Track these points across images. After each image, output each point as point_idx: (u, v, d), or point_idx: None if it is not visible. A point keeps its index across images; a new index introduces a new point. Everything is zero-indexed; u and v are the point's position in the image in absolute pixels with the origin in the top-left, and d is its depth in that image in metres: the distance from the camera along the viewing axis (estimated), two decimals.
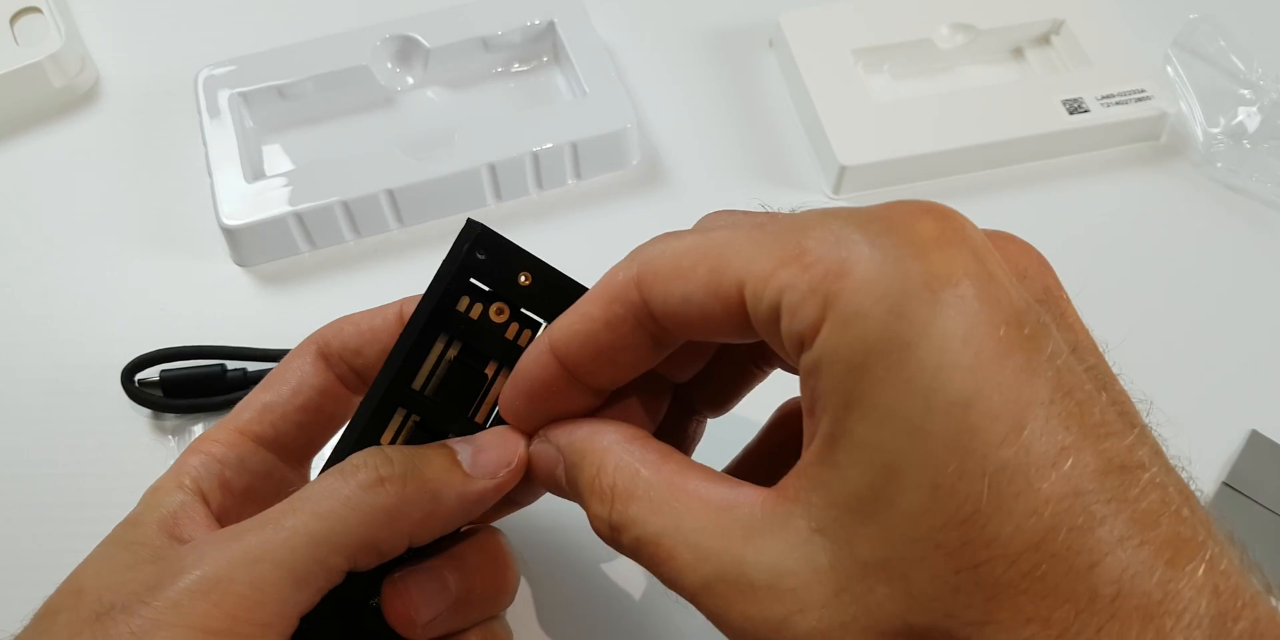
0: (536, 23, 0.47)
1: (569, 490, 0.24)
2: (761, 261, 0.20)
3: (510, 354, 0.27)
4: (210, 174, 0.42)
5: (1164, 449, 0.19)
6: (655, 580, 0.34)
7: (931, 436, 0.18)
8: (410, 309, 0.28)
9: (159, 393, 0.39)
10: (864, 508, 0.18)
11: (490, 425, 0.27)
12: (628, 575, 0.35)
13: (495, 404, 0.27)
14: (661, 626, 0.34)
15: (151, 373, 0.39)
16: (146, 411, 0.39)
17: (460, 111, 0.47)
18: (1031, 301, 0.19)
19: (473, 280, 0.26)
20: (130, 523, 0.26)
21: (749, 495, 0.21)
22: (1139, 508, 0.17)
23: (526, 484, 0.27)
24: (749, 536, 0.20)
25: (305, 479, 0.30)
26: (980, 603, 0.17)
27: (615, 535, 0.22)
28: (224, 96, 0.44)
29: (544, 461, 0.25)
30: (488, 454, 0.26)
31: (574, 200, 0.45)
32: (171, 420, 0.39)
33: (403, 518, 0.24)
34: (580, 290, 0.27)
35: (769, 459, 0.28)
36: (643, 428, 0.25)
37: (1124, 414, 0.19)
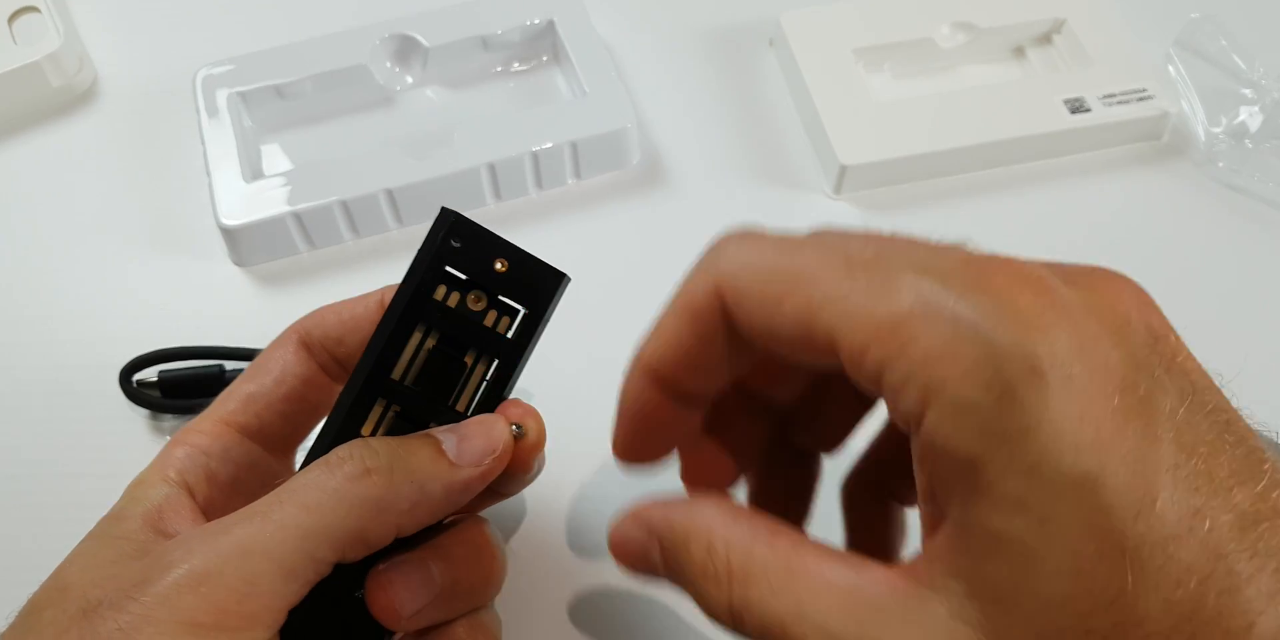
0: (536, 22, 0.46)
1: (669, 574, 0.23)
2: (854, 324, 0.19)
3: (489, 341, 0.27)
4: (208, 174, 0.42)
5: None
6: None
7: (1064, 522, 0.17)
8: (391, 297, 0.28)
9: (157, 393, 0.39)
10: (1007, 598, 0.18)
11: (472, 414, 0.27)
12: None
13: (476, 392, 0.27)
14: (651, 615, 0.34)
15: (150, 373, 0.39)
16: (144, 412, 0.39)
17: (460, 111, 0.47)
18: (1140, 356, 0.18)
19: (448, 268, 0.26)
20: (114, 517, 0.26)
21: (876, 576, 0.20)
22: None
23: (511, 473, 0.27)
24: (882, 621, 0.19)
25: (290, 469, 0.30)
26: None
27: (737, 621, 0.21)
28: (222, 96, 0.44)
29: (636, 544, 0.24)
30: (472, 442, 0.26)
31: (574, 200, 0.45)
32: (170, 421, 0.39)
33: (390, 509, 0.24)
34: (558, 277, 0.27)
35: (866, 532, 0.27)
36: (746, 462, 0.25)
37: (1250, 456, 0.18)
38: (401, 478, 0.24)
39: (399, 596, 0.25)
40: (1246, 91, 0.45)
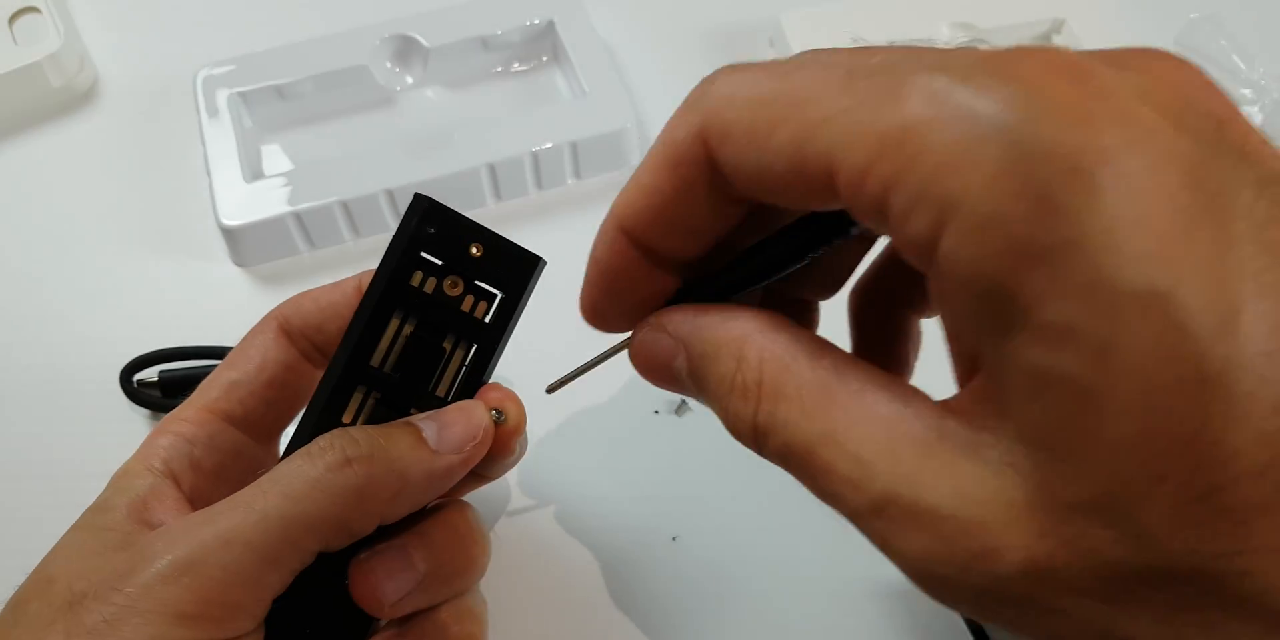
0: (536, 22, 0.46)
1: (693, 385, 0.21)
2: (853, 142, 0.16)
3: (467, 326, 0.27)
4: (209, 174, 0.42)
5: None
6: (631, 548, 0.34)
7: (1128, 350, 0.14)
8: (369, 282, 0.28)
9: (158, 393, 0.39)
10: (1060, 444, 0.15)
11: (452, 399, 0.27)
12: (602, 547, 0.35)
13: (456, 377, 0.27)
14: (639, 596, 0.34)
15: (150, 373, 0.39)
16: (145, 411, 0.39)
17: (460, 111, 0.47)
18: (1207, 145, 0.15)
19: (424, 254, 0.26)
20: (98, 508, 0.26)
21: (923, 409, 0.18)
22: None
23: (493, 457, 0.27)
24: (925, 457, 0.17)
25: (274, 456, 0.30)
26: (1230, 530, 0.14)
27: (759, 439, 0.19)
28: (223, 96, 0.44)
29: (658, 352, 0.21)
30: (452, 430, 0.26)
31: (574, 200, 0.45)
32: None
33: (371, 497, 0.24)
34: (533, 261, 0.27)
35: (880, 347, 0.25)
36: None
37: None
38: (382, 467, 0.24)
39: (382, 584, 0.25)
40: (1246, 92, 0.45)
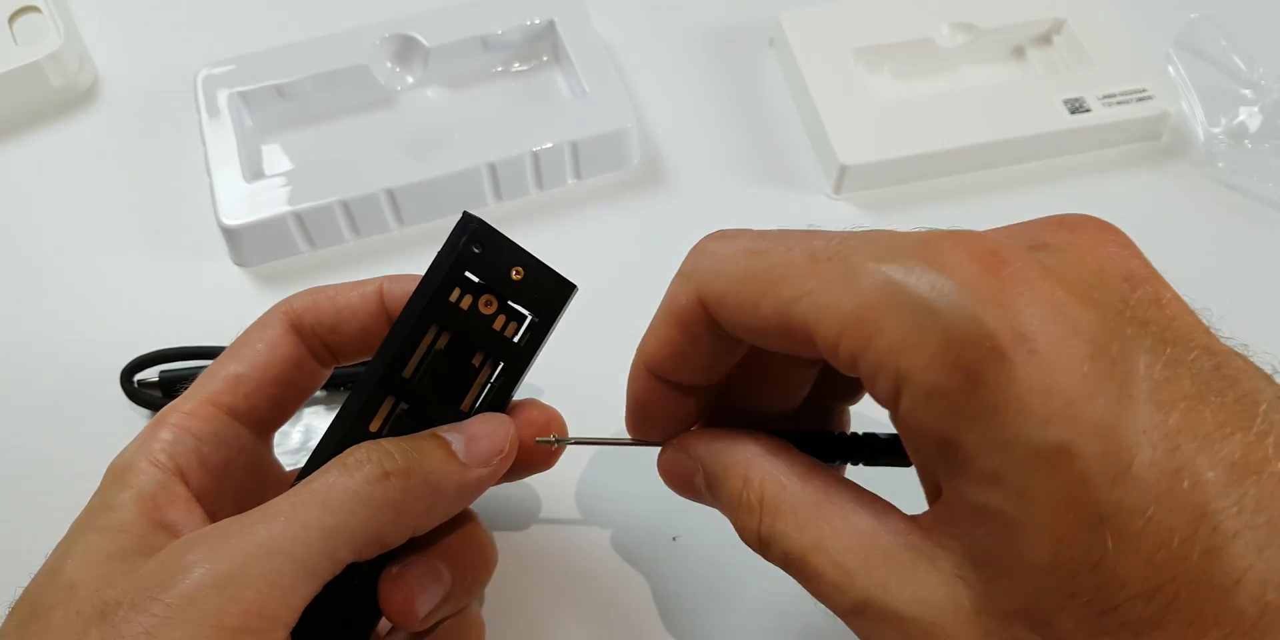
0: (536, 22, 0.47)
1: (710, 499, 0.25)
2: (825, 318, 0.20)
3: (497, 345, 0.27)
4: (209, 174, 0.42)
5: None
6: (631, 548, 0.34)
7: (1039, 495, 0.17)
8: (393, 288, 0.28)
9: (158, 393, 0.39)
10: (995, 564, 0.19)
11: (475, 413, 0.27)
12: (602, 547, 0.35)
13: (481, 392, 0.27)
14: (638, 596, 0.34)
15: (151, 373, 0.39)
16: (145, 412, 0.39)
17: (460, 111, 0.47)
18: (1113, 314, 0.18)
19: (467, 273, 0.26)
20: (104, 506, 0.25)
21: (895, 526, 0.21)
22: (1275, 509, 0.17)
23: (530, 471, 0.28)
24: (895, 567, 0.20)
25: (271, 453, 0.30)
26: (1130, 639, 0.17)
27: (763, 547, 0.23)
28: (223, 96, 0.44)
29: (681, 470, 0.25)
30: (480, 443, 0.26)
31: (574, 200, 0.45)
32: None
33: (407, 511, 0.24)
34: (568, 287, 0.28)
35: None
36: (787, 406, 0.26)
37: (1242, 401, 0.18)
38: (418, 480, 0.24)
39: (415, 597, 0.26)
40: (1246, 92, 0.45)
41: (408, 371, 0.26)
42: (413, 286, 0.27)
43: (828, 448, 0.25)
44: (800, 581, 0.22)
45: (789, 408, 0.26)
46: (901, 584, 0.20)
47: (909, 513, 0.22)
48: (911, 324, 0.18)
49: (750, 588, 0.34)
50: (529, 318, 0.27)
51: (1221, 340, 0.20)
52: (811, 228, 0.22)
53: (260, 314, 0.29)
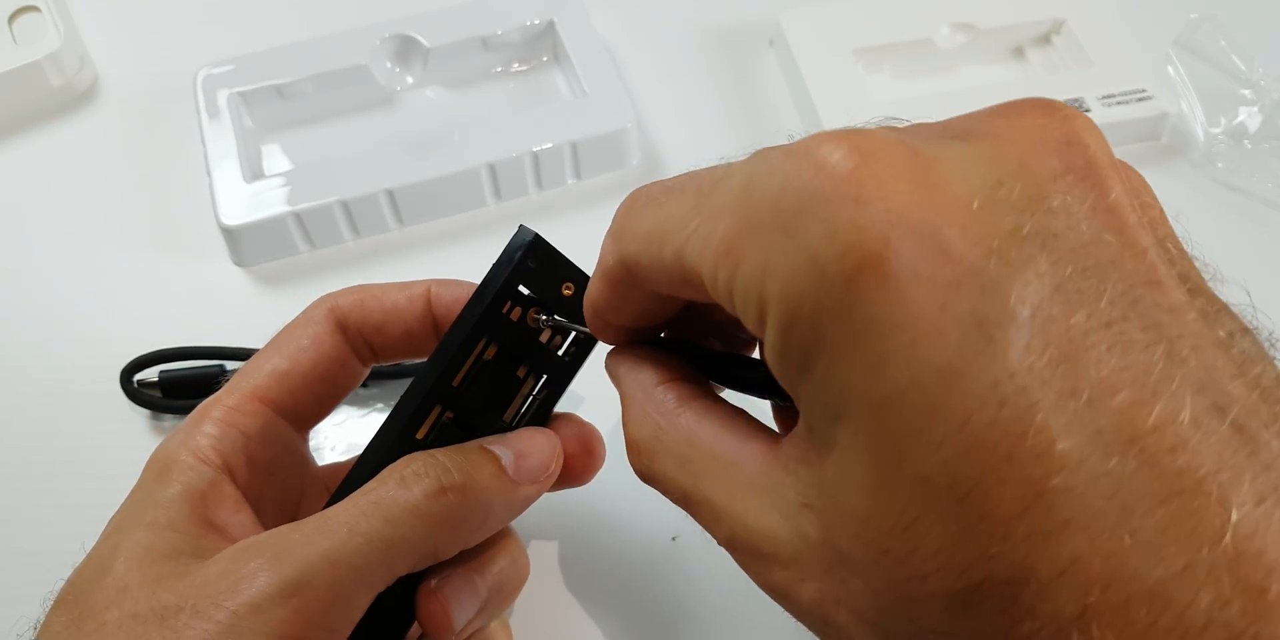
0: (536, 22, 0.46)
1: None
2: (701, 255, 0.18)
3: (543, 358, 0.27)
4: (209, 174, 0.42)
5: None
6: (631, 548, 0.34)
7: (867, 443, 0.16)
8: (441, 293, 0.28)
9: (158, 393, 0.39)
10: (832, 498, 0.17)
11: (517, 426, 0.27)
12: (602, 546, 0.35)
13: (523, 404, 0.28)
14: (638, 595, 0.34)
15: (150, 373, 0.39)
16: (145, 412, 0.39)
17: (460, 111, 0.47)
18: (1004, 226, 0.15)
19: (520, 287, 0.27)
20: (152, 502, 0.25)
21: (752, 451, 0.20)
22: (1135, 497, 0.14)
23: (569, 486, 0.28)
24: (748, 499, 0.19)
25: (307, 449, 0.30)
26: (937, 612, 0.16)
27: (655, 486, 0.22)
28: (223, 96, 0.44)
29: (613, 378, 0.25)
30: (529, 460, 0.26)
31: (574, 200, 0.45)
32: (171, 421, 0.39)
33: (462, 525, 0.25)
34: None
35: None
36: (740, 350, 0.25)
37: (1153, 346, 0.15)
38: (474, 496, 0.24)
39: (453, 610, 0.25)
40: (1246, 92, 0.45)
41: (455, 381, 0.26)
42: (461, 293, 0.28)
43: (729, 374, 0.24)
44: (694, 519, 0.21)
45: (743, 350, 0.26)
46: (758, 516, 0.19)
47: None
48: (768, 246, 0.16)
49: (750, 587, 0.34)
50: (574, 333, 0.28)
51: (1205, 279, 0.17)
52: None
53: (259, 314, 0.29)
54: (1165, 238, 0.17)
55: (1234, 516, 0.14)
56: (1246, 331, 0.16)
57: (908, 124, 0.19)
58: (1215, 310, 0.16)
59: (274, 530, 0.24)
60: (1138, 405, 0.14)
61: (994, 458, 0.14)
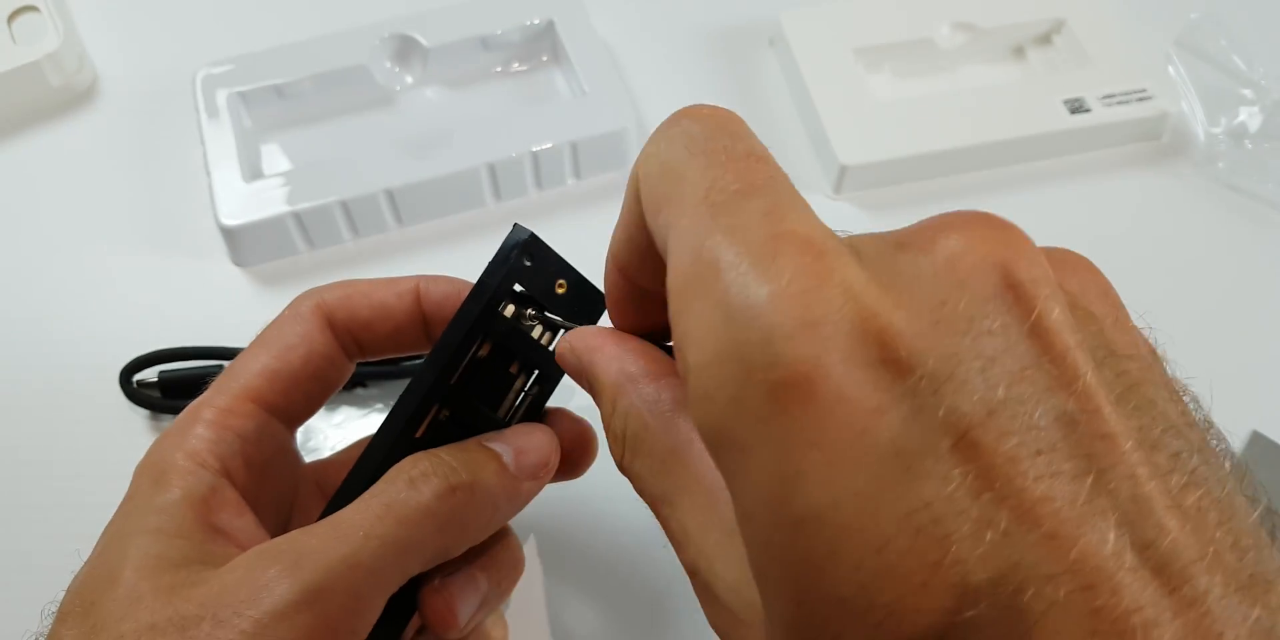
0: (536, 22, 0.46)
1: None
2: (672, 265, 0.17)
3: (535, 355, 0.27)
4: (208, 173, 0.42)
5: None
6: (631, 548, 0.34)
7: (769, 568, 0.15)
8: (430, 289, 0.28)
9: (157, 394, 0.39)
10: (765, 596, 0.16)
11: (512, 422, 0.27)
12: (602, 546, 0.35)
13: (517, 400, 0.28)
14: (638, 595, 0.34)
15: (149, 373, 0.39)
16: (144, 412, 0.39)
17: (459, 111, 0.47)
18: (944, 345, 0.15)
19: (515, 285, 0.26)
20: (153, 508, 0.24)
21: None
22: None
23: (565, 480, 0.28)
24: (721, 542, 0.18)
25: (295, 448, 0.29)
26: None
27: (628, 476, 0.21)
28: (222, 96, 0.44)
29: (568, 365, 0.23)
30: (528, 456, 0.26)
31: (574, 200, 0.44)
32: (170, 421, 0.39)
33: (471, 523, 0.25)
34: (604, 300, 0.28)
35: None
36: None
37: (1071, 475, 0.14)
38: (481, 495, 0.24)
39: (457, 607, 0.25)
40: (1246, 92, 0.45)
41: (452, 378, 0.26)
42: (449, 288, 0.28)
43: None
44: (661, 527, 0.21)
45: None
46: (725, 563, 0.18)
47: None
48: (709, 321, 0.15)
49: None
50: (562, 329, 0.28)
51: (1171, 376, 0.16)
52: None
53: (258, 314, 0.29)
54: (1110, 355, 0.16)
55: None
56: (1197, 451, 0.15)
57: (854, 234, 0.18)
58: (1162, 430, 0.15)
59: (287, 536, 0.23)
60: (1058, 539, 0.14)
61: (909, 585, 0.14)
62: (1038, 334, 0.15)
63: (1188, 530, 0.14)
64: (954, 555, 0.14)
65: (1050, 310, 0.15)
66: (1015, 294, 0.15)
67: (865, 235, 0.17)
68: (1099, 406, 0.15)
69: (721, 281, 0.15)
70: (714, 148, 0.18)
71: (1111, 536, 0.14)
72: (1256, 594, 0.14)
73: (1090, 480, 0.14)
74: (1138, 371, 0.16)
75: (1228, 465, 0.16)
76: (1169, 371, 0.17)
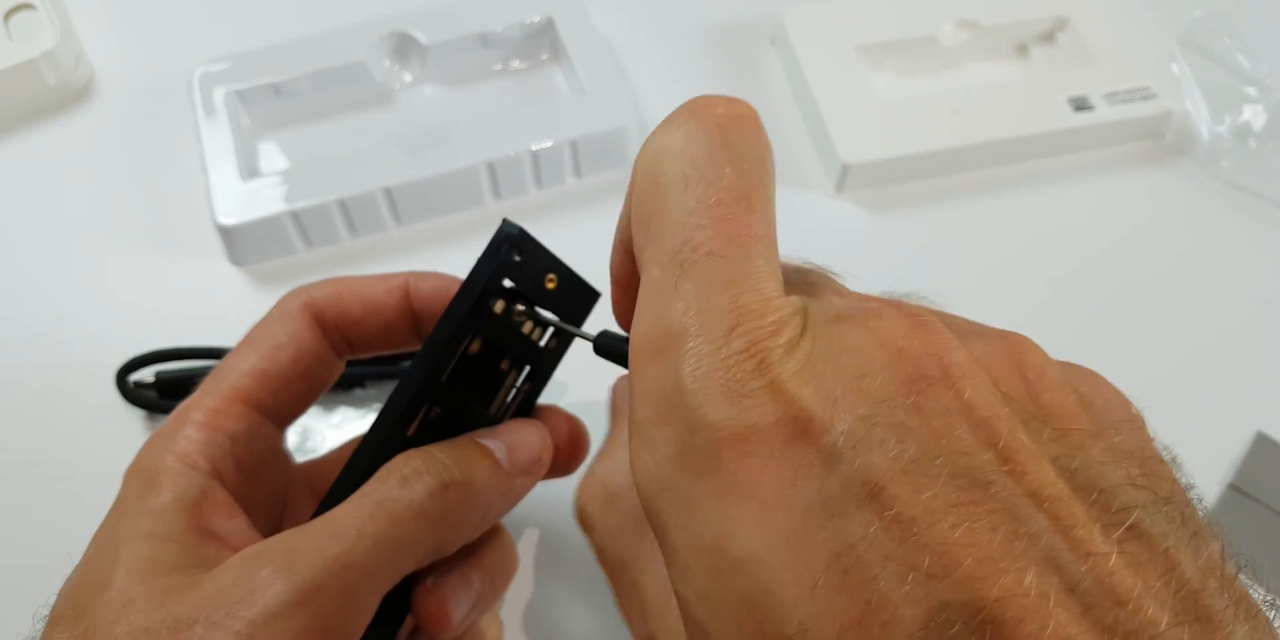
0: (536, 20, 0.46)
1: None
2: (638, 310, 0.18)
3: (525, 350, 0.27)
4: (206, 172, 0.42)
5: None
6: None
7: (743, 595, 0.16)
8: (419, 286, 0.28)
9: (154, 394, 0.38)
10: None
11: (502, 417, 0.27)
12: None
13: (508, 397, 0.28)
14: None
15: (146, 373, 0.39)
16: (141, 412, 0.39)
17: (458, 109, 0.47)
18: (858, 415, 0.16)
19: (505, 280, 0.26)
20: (145, 511, 0.24)
21: None
22: None
23: (555, 477, 0.28)
24: (678, 619, 0.18)
25: (285, 447, 0.29)
26: None
27: (593, 534, 0.22)
28: (219, 94, 0.44)
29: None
30: (521, 452, 0.26)
31: (573, 199, 0.44)
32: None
33: (464, 521, 0.24)
34: (593, 294, 0.28)
35: None
36: None
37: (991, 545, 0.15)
38: (474, 492, 0.24)
39: (451, 607, 0.25)
40: (1250, 90, 0.45)
41: (442, 376, 0.26)
42: (439, 284, 0.28)
43: None
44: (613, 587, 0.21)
45: None
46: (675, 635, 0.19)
47: None
48: (662, 386, 0.17)
49: None
50: (557, 325, 0.28)
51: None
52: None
53: (257, 314, 0.29)
54: (1035, 415, 0.17)
55: None
56: (1153, 505, 0.16)
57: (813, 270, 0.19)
58: (1095, 469, 0.16)
59: (279, 536, 0.23)
60: (980, 580, 0.14)
61: (845, 622, 0.15)
62: (956, 410, 0.16)
63: (1125, 574, 0.14)
64: (881, 593, 0.15)
65: (972, 384, 0.16)
66: (942, 372, 0.16)
67: (815, 303, 0.18)
68: (1024, 466, 0.15)
69: (678, 352, 0.17)
70: (710, 179, 0.19)
71: (1031, 575, 0.14)
72: (1202, 632, 0.14)
73: (1007, 529, 0.15)
74: (1086, 439, 0.17)
75: (1195, 524, 0.16)
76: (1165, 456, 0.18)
